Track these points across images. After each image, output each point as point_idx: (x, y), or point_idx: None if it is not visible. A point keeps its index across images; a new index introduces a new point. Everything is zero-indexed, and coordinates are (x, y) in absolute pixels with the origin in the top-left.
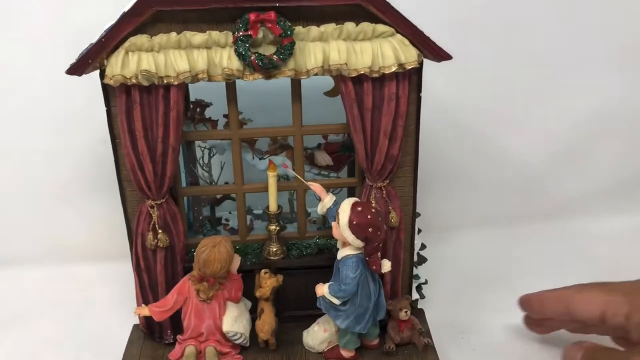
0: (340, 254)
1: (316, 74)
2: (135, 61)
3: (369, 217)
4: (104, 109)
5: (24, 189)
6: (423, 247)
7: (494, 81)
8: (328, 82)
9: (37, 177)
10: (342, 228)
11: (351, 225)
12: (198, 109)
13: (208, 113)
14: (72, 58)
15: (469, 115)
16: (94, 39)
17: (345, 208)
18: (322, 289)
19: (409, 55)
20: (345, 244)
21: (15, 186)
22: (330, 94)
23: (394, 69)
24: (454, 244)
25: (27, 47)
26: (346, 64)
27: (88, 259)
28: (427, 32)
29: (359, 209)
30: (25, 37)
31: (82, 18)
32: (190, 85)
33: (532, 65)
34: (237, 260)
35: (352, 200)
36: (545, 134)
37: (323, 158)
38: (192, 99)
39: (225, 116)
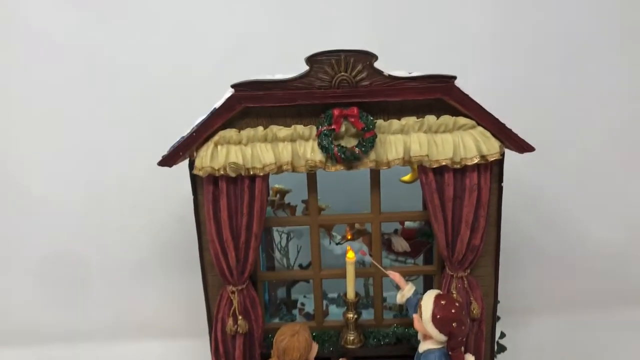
0: (422, 347)
1: (397, 165)
2: (224, 154)
3: (453, 311)
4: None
5: (102, 263)
6: (503, 335)
7: (574, 160)
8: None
9: (116, 251)
10: (425, 322)
11: (434, 320)
12: (278, 195)
13: (287, 198)
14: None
15: (547, 195)
16: (185, 132)
17: (428, 301)
18: None
19: (491, 147)
20: (426, 337)
21: (94, 259)
22: (408, 180)
23: (476, 160)
24: (532, 329)
25: (109, 123)
26: (427, 155)
27: (162, 336)
28: (508, 121)
29: (443, 302)
30: (107, 111)
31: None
32: None
33: (611, 143)
34: (314, 349)
35: (434, 292)
36: (627, 214)
37: (400, 244)
38: (271, 184)
39: (303, 201)
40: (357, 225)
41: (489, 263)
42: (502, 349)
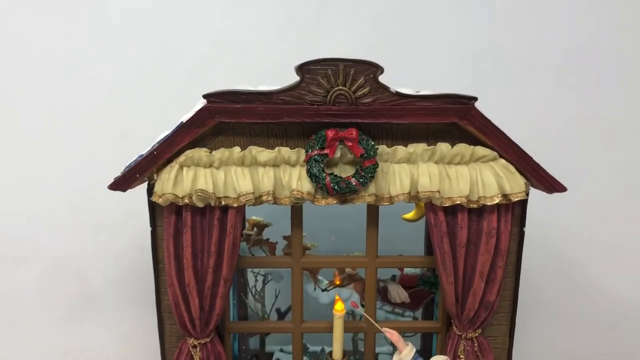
0: None
1: (401, 201)
2: (191, 178)
3: None
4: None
5: (48, 295)
6: None
7: (584, 203)
8: None
9: (64, 282)
10: None
11: None
12: (255, 229)
13: (266, 233)
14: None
15: (556, 240)
16: (145, 150)
17: None
18: None
19: (515, 184)
20: None
21: (38, 291)
22: (411, 218)
23: (497, 200)
24: None
25: (65, 146)
26: (438, 191)
27: None
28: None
29: None
30: (65, 134)
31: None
32: None
33: (627, 189)
34: None
35: (440, 359)
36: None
37: (398, 293)
38: (247, 215)
39: (285, 238)
40: (348, 270)
41: (503, 321)
42: None
